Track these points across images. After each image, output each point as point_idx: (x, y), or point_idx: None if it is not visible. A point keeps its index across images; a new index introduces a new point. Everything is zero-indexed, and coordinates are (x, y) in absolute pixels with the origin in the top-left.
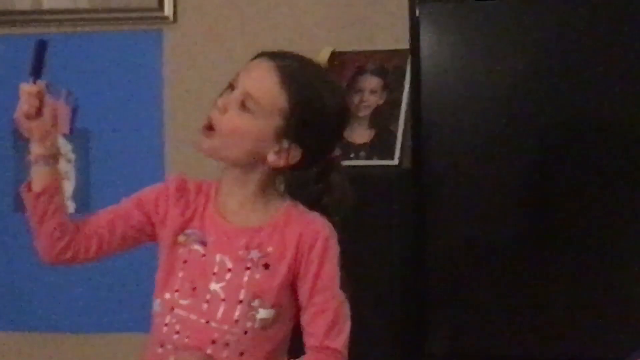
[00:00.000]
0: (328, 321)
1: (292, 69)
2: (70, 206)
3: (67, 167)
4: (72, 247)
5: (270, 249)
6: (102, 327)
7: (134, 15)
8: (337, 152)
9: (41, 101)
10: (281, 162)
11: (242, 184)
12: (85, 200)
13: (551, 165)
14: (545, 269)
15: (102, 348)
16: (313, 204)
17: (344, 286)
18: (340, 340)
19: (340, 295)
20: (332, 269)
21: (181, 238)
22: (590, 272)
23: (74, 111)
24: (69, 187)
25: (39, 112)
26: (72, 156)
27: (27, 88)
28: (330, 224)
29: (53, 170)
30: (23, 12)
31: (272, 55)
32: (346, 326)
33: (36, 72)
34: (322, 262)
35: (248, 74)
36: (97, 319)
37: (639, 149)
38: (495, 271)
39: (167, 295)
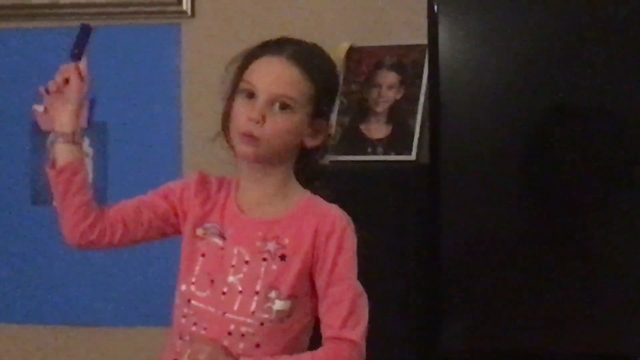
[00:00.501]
0: (344, 312)
1: (303, 56)
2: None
3: (85, 161)
4: (97, 229)
5: (287, 241)
6: (121, 321)
7: (152, 9)
8: None
9: (66, 81)
10: (318, 141)
11: (262, 179)
12: (102, 194)
13: (570, 161)
14: (562, 265)
15: (122, 342)
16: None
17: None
18: (358, 331)
19: (358, 287)
20: (348, 260)
21: (200, 231)
22: (608, 267)
23: (92, 105)
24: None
25: (59, 90)
26: (89, 150)
27: (60, 67)
28: (347, 216)
29: (75, 148)
30: (40, 6)
31: (276, 50)
32: (364, 318)
33: (74, 54)
34: (338, 252)
35: (264, 77)
36: (115, 313)
37: None
38: (511, 267)
39: (184, 287)
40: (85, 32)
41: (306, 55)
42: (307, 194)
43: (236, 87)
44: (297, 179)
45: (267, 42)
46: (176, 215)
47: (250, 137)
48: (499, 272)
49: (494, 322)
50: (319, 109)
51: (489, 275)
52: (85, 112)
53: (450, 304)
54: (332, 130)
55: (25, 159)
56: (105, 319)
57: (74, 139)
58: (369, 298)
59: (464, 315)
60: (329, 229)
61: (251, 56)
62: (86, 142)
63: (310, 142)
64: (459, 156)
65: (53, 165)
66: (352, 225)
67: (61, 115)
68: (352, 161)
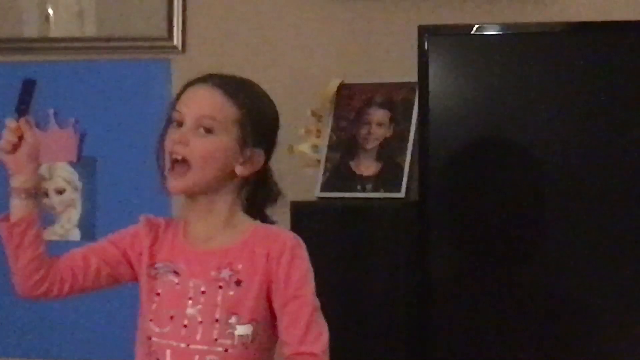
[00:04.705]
0: (302, 328)
1: (227, 83)
2: (76, 233)
3: (73, 195)
4: (47, 281)
5: (240, 267)
6: (90, 354)
7: (142, 44)
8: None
9: (20, 137)
10: (249, 170)
11: (207, 212)
12: (91, 228)
13: (560, 196)
14: (551, 297)
15: None
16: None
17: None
18: (318, 345)
19: (314, 302)
20: (301, 277)
21: (152, 272)
22: (595, 296)
23: (81, 139)
24: (75, 214)
25: (15, 147)
26: (78, 184)
27: (8, 123)
28: (297, 236)
29: (30, 203)
30: (31, 40)
31: (201, 80)
32: (324, 332)
33: (20, 110)
34: (289, 271)
35: (190, 102)
36: (85, 346)
37: None
38: (501, 302)
39: (144, 325)
40: (29, 86)
41: (232, 83)
42: (255, 222)
43: (168, 121)
44: (249, 212)
45: (194, 77)
46: (128, 261)
47: (180, 167)
48: (488, 305)
49: (483, 354)
50: (246, 135)
51: (477, 309)
52: (74, 147)
53: (440, 338)
54: (261, 163)
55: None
56: (73, 352)
57: (31, 194)
58: (359, 332)
59: (454, 348)
60: (280, 250)
61: (182, 90)
62: (75, 177)
63: (241, 171)
64: (448, 194)
65: (6, 219)
66: (302, 245)
67: (22, 172)
68: (342, 197)
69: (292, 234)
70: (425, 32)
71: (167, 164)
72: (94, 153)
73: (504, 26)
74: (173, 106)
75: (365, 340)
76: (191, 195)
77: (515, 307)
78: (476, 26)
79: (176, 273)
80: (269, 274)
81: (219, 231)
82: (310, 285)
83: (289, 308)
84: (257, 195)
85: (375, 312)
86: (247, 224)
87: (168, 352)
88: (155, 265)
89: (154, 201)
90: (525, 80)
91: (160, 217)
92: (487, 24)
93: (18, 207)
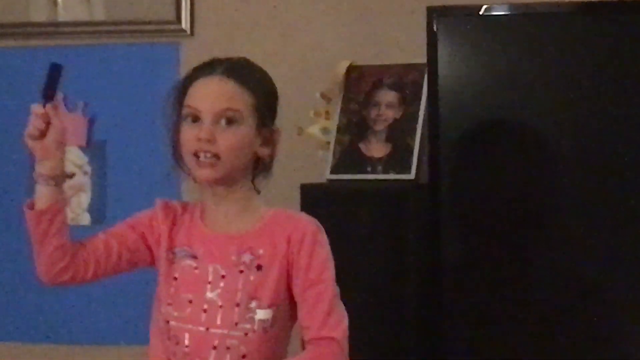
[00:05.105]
0: (323, 312)
1: (235, 69)
2: (86, 218)
3: (83, 179)
4: (71, 269)
5: (261, 251)
6: (99, 339)
7: (151, 28)
8: None
9: (48, 124)
10: (270, 149)
11: (225, 197)
12: (101, 212)
13: (570, 178)
14: (564, 282)
15: None
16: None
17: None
18: (339, 330)
19: (335, 288)
20: (322, 263)
21: (170, 256)
22: (607, 283)
23: (91, 123)
24: (85, 199)
25: (43, 133)
26: (88, 168)
27: (34, 109)
28: (317, 221)
29: (56, 191)
30: (39, 25)
31: (207, 70)
32: (344, 317)
33: (47, 95)
34: (311, 256)
35: (204, 97)
36: (96, 330)
37: None
38: (511, 285)
39: (163, 309)
40: (55, 70)
41: (239, 69)
42: (274, 207)
43: (179, 116)
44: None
45: (198, 65)
46: (147, 246)
47: (207, 158)
48: (499, 289)
49: (494, 339)
50: (263, 118)
51: (488, 293)
52: (84, 131)
53: (450, 322)
54: (279, 137)
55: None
56: (84, 336)
57: (56, 181)
58: (369, 316)
59: (464, 332)
60: (301, 235)
61: (186, 82)
62: (85, 160)
63: (263, 152)
64: (458, 175)
65: (32, 206)
66: (322, 230)
67: (48, 158)
68: (351, 180)
69: (313, 220)
70: (434, 13)
71: (190, 159)
72: (103, 137)
73: (513, 6)
74: (180, 100)
75: (374, 323)
76: (221, 184)
77: (526, 288)
78: (485, 7)
79: (194, 257)
80: (290, 259)
81: (237, 216)
82: (331, 271)
83: (310, 293)
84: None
85: (385, 295)
86: (264, 209)
87: (187, 335)
88: (174, 250)
89: (163, 185)
90: (534, 60)
91: (176, 201)
92: (495, 4)
93: (45, 194)
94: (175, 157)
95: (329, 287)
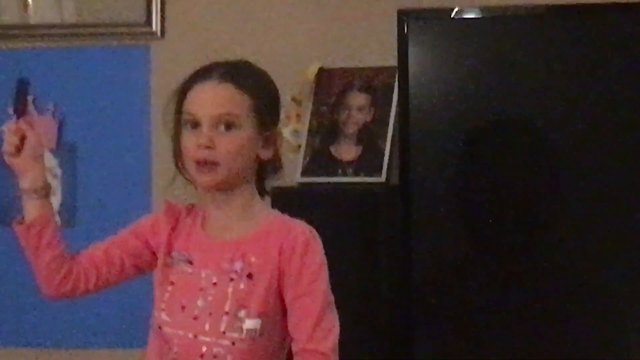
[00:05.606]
0: (311, 324)
1: (233, 72)
2: (57, 221)
3: (53, 182)
4: (71, 279)
5: (253, 259)
6: (100, 343)
7: (121, 30)
8: None
9: (22, 137)
10: (271, 152)
11: (225, 202)
12: (71, 215)
13: (540, 181)
14: (536, 281)
15: None
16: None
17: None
18: (327, 343)
19: (326, 298)
20: (312, 273)
21: (168, 260)
22: (579, 281)
23: (61, 126)
24: (55, 202)
25: (18, 149)
26: (58, 171)
27: (7, 127)
28: (312, 230)
29: (42, 203)
30: (10, 27)
31: (205, 75)
32: (333, 329)
33: (18, 110)
34: (302, 265)
35: (203, 103)
36: (96, 335)
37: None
38: (481, 287)
39: (156, 314)
40: (23, 86)
41: (235, 72)
42: (273, 212)
43: (178, 122)
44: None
45: (196, 71)
46: (151, 250)
47: (206, 165)
48: (469, 291)
49: (464, 338)
50: (263, 120)
51: (459, 294)
52: (54, 134)
53: (421, 323)
54: (281, 139)
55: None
56: (85, 341)
57: (42, 194)
58: (341, 318)
59: (435, 334)
60: (293, 244)
61: (185, 88)
62: (55, 163)
63: (265, 154)
64: (429, 177)
65: (21, 222)
66: (316, 239)
67: (29, 171)
68: (322, 183)
69: (306, 227)
70: (405, 15)
71: (191, 165)
72: (73, 139)
73: (484, 9)
74: (179, 106)
75: (345, 326)
76: (221, 189)
77: (498, 288)
78: (456, 10)
79: (190, 262)
80: (281, 268)
81: (236, 221)
82: (323, 281)
83: (299, 304)
84: (264, 170)
85: (357, 296)
86: (265, 214)
87: (176, 342)
88: (172, 254)
89: (134, 187)
90: (504, 63)
91: (181, 204)
92: (466, 7)
93: (31, 208)
94: (177, 163)
95: (318, 297)
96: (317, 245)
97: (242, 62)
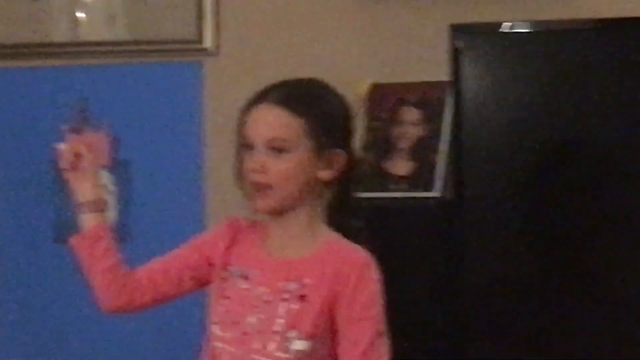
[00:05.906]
0: (361, 352)
1: (286, 95)
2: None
3: (108, 199)
4: (126, 292)
5: (307, 281)
6: (141, 358)
7: (174, 47)
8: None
9: (77, 154)
10: (333, 173)
11: (286, 221)
12: (127, 231)
13: (594, 199)
14: (592, 300)
15: None
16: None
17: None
18: None
19: (379, 327)
20: (368, 300)
21: (224, 274)
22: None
23: (114, 143)
24: (110, 218)
25: (74, 165)
26: (113, 188)
27: (61, 146)
28: (370, 256)
29: (96, 216)
30: (62, 45)
31: (262, 98)
32: (382, 358)
33: (74, 128)
34: (357, 290)
35: (256, 126)
36: (136, 350)
37: None
38: (533, 304)
39: (210, 329)
40: (82, 104)
41: (288, 94)
42: (333, 234)
43: (240, 144)
44: (332, 216)
45: (256, 92)
46: (209, 264)
47: (260, 187)
48: (522, 308)
49: (517, 355)
50: (319, 142)
51: (511, 311)
52: (107, 151)
53: (474, 339)
54: (343, 162)
55: (47, 197)
56: (129, 356)
57: (96, 207)
58: (393, 335)
59: (488, 349)
60: (349, 268)
61: (245, 110)
62: (109, 180)
63: (325, 175)
64: (483, 192)
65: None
66: (374, 266)
67: (82, 187)
68: (376, 198)
69: (364, 253)
70: (457, 30)
71: (248, 188)
72: (127, 157)
73: (534, 23)
74: (241, 130)
75: (399, 345)
76: (277, 213)
77: (554, 303)
78: (506, 24)
79: (246, 278)
80: (335, 292)
81: (296, 240)
82: (377, 309)
83: (351, 330)
84: (337, 201)
85: (411, 313)
86: (324, 236)
87: (227, 358)
88: (229, 268)
89: (187, 204)
90: (556, 77)
91: (244, 219)
92: (517, 21)
93: (86, 221)
94: (240, 185)
95: (371, 325)
96: (374, 271)
97: (299, 82)
